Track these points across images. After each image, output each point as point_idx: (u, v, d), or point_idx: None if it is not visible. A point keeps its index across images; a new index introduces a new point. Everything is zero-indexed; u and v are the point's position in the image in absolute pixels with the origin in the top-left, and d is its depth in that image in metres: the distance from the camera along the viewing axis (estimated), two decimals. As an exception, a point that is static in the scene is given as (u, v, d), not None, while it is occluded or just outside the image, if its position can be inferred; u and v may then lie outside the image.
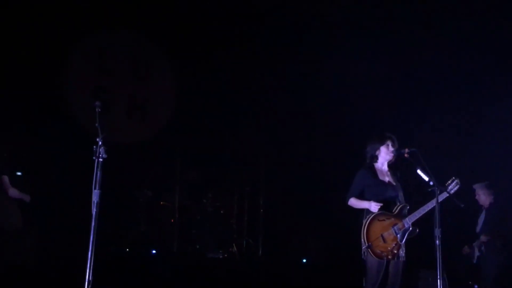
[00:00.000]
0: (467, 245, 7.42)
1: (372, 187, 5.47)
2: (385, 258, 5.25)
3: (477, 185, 7.38)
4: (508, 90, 8.73)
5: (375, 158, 5.62)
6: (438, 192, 5.30)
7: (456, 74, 9.22)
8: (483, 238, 7.24)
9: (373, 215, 5.27)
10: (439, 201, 5.28)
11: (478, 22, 8.86)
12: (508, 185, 7.99)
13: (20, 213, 6.13)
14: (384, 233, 5.26)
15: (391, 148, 5.59)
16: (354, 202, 5.50)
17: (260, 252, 8.11)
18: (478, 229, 7.43)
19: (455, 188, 5.52)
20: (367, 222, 5.24)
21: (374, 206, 5.34)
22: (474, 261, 7.35)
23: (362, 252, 5.32)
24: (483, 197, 7.34)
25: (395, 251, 5.27)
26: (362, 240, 5.24)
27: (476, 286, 8.05)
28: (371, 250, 5.18)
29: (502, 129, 8.77)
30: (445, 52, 9.09)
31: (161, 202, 8.07)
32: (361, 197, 5.51)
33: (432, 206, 5.35)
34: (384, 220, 5.31)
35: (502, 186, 7.76)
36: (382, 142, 5.61)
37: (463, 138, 9.06)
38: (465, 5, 8.86)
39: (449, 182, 5.53)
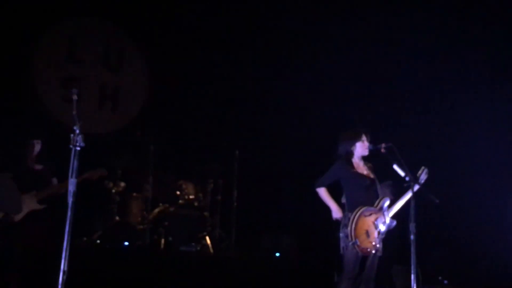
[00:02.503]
0: None
1: (351, 179, 5.50)
2: (370, 253, 5.29)
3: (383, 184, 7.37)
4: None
5: (351, 153, 5.63)
6: (414, 188, 5.37)
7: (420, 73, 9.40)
8: None
9: (360, 211, 5.28)
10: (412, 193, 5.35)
11: (448, 24, 9.04)
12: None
13: None
14: (369, 229, 5.29)
15: (366, 143, 5.62)
16: (322, 194, 5.57)
17: (233, 245, 8.05)
18: None
19: (425, 178, 5.60)
20: (355, 218, 5.24)
21: (335, 213, 5.44)
22: None
23: (342, 247, 5.33)
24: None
25: (378, 245, 5.32)
26: (348, 235, 5.24)
27: (445, 282, 8.19)
28: (357, 246, 5.19)
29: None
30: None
31: (134, 194, 7.94)
32: (337, 188, 5.55)
33: (408, 198, 5.42)
34: (369, 215, 5.34)
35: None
36: (358, 138, 5.63)
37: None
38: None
39: (420, 172, 5.61)
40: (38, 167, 5.84)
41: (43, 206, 5.64)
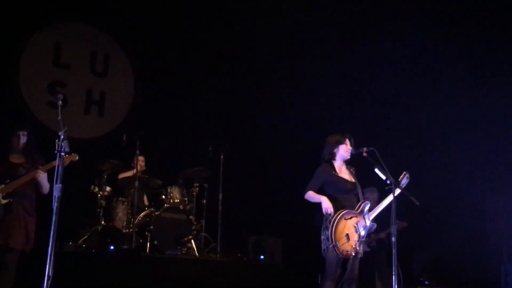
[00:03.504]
0: None
1: (333, 183, 5.60)
2: (350, 255, 5.38)
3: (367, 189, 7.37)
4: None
5: (333, 155, 5.75)
6: (395, 191, 5.49)
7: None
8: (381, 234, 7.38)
9: (341, 214, 5.38)
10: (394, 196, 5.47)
11: (433, 27, 9.16)
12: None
13: None
14: (349, 232, 5.39)
15: (349, 147, 5.73)
16: (311, 195, 5.59)
17: (219, 248, 8.11)
18: None
19: (406, 182, 5.71)
20: (336, 221, 5.33)
21: (325, 204, 5.42)
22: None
23: (323, 249, 5.43)
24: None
25: (358, 248, 5.42)
26: (328, 237, 5.33)
27: (426, 282, 8.30)
28: (336, 249, 5.29)
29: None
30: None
31: (120, 198, 7.98)
32: (320, 192, 5.62)
33: (388, 202, 5.53)
34: (350, 218, 5.44)
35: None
36: (341, 141, 5.75)
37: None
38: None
39: (401, 177, 5.72)
40: (17, 160, 5.47)
41: (6, 201, 5.30)
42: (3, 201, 5.29)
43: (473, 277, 8.37)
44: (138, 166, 8.18)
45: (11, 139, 5.47)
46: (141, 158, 8.40)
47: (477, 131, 8.77)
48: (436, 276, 8.48)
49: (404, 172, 5.77)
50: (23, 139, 5.47)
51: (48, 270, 4.32)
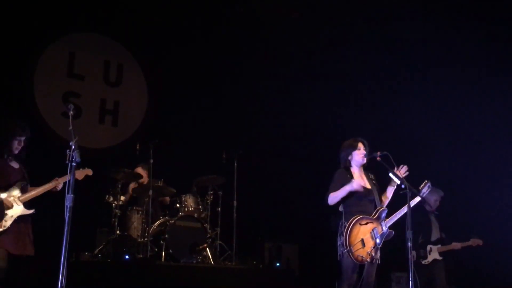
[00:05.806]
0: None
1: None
2: (364, 261, 5.32)
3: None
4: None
5: (348, 162, 5.72)
6: (410, 195, 5.42)
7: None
8: (455, 245, 7.31)
9: (355, 219, 5.33)
10: (413, 204, 5.42)
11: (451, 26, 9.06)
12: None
13: None
14: (365, 237, 5.33)
15: (363, 152, 5.68)
16: (333, 195, 5.49)
17: (234, 256, 8.07)
18: (439, 235, 7.45)
19: (428, 191, 5.64)
20: (350, 226, 5.29)
21: (355, 184, 5.37)
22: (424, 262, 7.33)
23: (338, 254, 5.38)
24: (435, 202, 7.33)
25: (373, 254, 5.36)
26: (343, 243, 5.28)
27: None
28: (351, 254, 5.23)
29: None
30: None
31: (134, 207, 7.99)
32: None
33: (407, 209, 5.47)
34: (365, 224, 5.38)
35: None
36: (354, 147, 5.72)
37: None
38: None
39: (422, 185, 5.67)
40: (15, 165, 5.22)
41: (31, 211, 5.10)
42: (29, 212, 5.09)
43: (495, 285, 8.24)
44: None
45: (11, 142, 5.17)
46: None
47: (500, 130, 8.65)
48: (458, 283, 8.35)
49: (426, 181, 5.73)
50: (21, 145, 5.22)
51: (61, 280, 4.30)
